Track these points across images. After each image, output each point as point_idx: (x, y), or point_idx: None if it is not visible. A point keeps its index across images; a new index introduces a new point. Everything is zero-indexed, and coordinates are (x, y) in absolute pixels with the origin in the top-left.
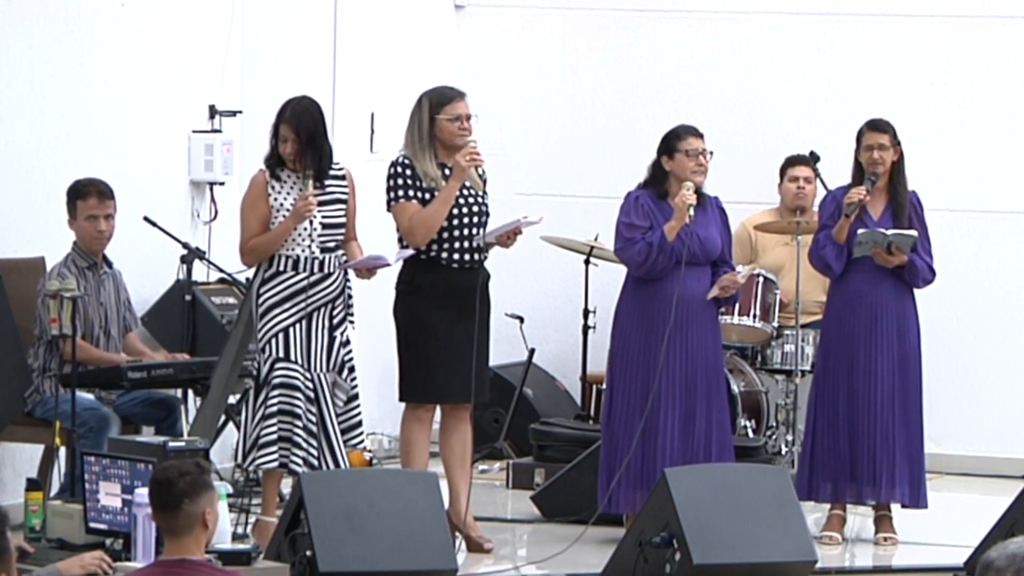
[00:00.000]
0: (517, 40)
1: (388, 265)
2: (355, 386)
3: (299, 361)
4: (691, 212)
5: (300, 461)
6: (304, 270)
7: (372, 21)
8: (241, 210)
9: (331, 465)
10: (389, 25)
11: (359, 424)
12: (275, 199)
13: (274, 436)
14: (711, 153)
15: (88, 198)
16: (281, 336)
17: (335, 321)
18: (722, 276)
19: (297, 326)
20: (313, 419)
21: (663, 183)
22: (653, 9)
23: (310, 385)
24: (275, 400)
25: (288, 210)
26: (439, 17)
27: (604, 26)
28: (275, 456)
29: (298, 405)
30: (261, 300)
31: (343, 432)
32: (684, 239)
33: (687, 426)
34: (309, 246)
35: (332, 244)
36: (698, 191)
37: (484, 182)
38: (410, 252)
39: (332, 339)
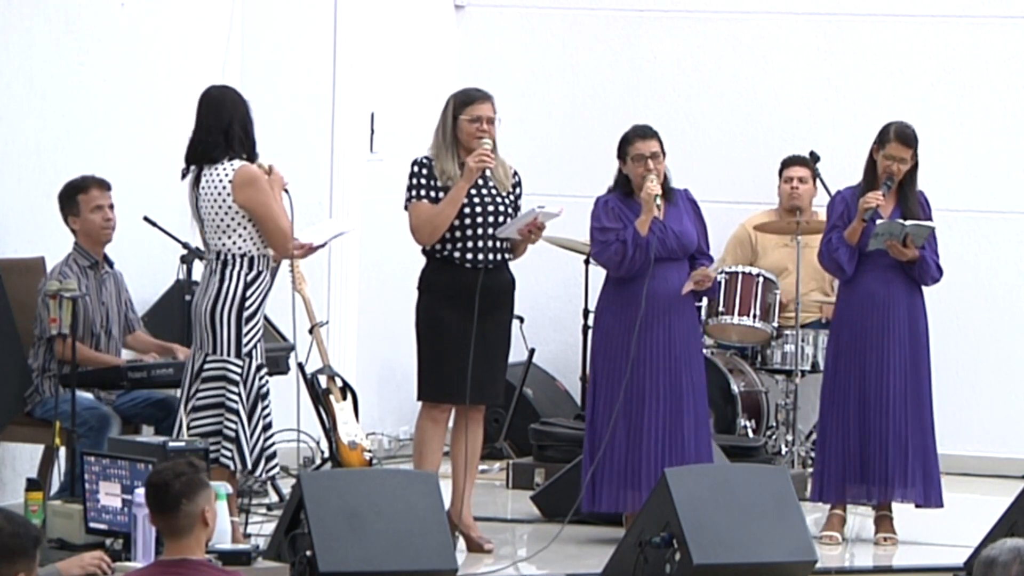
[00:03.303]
0: (517, 40)
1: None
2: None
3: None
4: (658, 202)
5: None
6: (267, 267)
7: (372, 21)
8: (263, 205)
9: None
10: (389, 25)
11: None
12: None
13: (274, 448)
14: (663, 153)
15: (90, 190)
16: (262, 342)
17: None
18: (695, 270)
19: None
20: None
21: (627, 184)
22: (653, 9)
23: None
24: (268, 410)
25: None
26: (439, 17)
27: (604, 26)
28: (277, 468)
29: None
30: (248, 303)
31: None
32: (658, 233)
33: (675, 422)
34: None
35: None
36: (664, 185)
37: (518, 184)
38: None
39: None
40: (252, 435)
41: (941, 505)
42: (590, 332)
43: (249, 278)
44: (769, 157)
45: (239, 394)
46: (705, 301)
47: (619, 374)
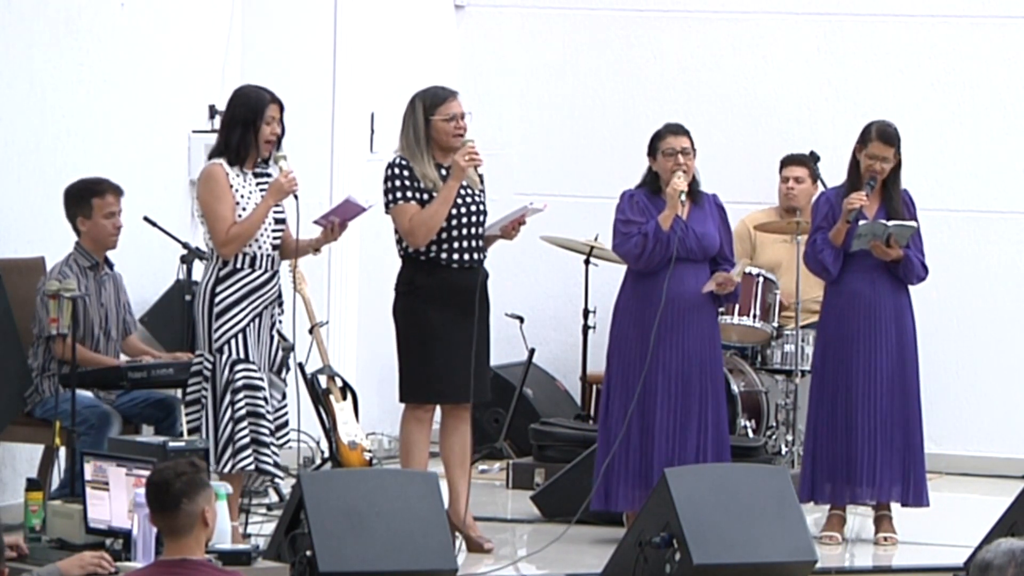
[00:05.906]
0: (517, 40)
1: (364, 210)
2: (287, 385)
3: (255, 361)
4: (682, 198)
5: (269, 462)
6: (260, 267)
7: (372, 21)
8: (206, 204)
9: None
10: (389, 25)
11: (287, 423)
12: (236, 190)
13: (248, 439)
14: (694, 151)
15: (106, 195)
16: (240, 336)
17: (274, 319)
18: (718, 273)
19: (252, 325)
20: (272, 419)
21: (655, 181)
22: (653, 9)
23: (265, 385)
24: (242, 402)
25: (244, 197)
26: (439, 17)
27: (604, 26)
28: (251, 458)
29: (261, 406)
30: (218, 299)
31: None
32: (679, 232)
33: (684, 424)
34: (263, 243)
35: (278, 241)
36: (692, 187)
37: (481, 179)
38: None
39: (271, 337)
40: (218, 428)
41: (927, 504)
42: (590, 332)
43: (222, 273)
44: (769, 157)
45: (208, 389)
46: None
47: (633, 373)
